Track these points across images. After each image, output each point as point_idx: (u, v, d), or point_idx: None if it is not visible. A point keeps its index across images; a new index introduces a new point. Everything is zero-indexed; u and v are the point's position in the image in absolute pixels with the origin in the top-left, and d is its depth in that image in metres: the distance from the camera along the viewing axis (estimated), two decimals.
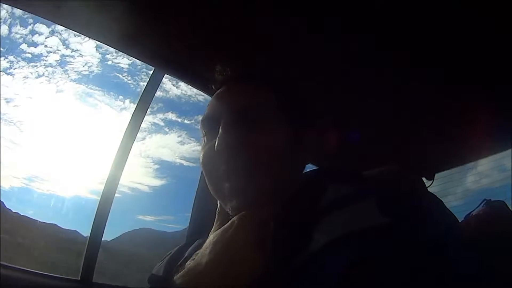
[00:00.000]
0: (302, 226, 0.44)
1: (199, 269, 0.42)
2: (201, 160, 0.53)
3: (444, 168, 1.59)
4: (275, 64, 1.00)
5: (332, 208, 0.43)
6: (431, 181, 1.41)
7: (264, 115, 0.51)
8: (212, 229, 0.50)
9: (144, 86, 1.10)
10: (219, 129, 0.50)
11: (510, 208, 0.92)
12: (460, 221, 0.99)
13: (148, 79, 1.09)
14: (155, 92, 1.11)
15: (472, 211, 0.94)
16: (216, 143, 0.48)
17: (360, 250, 0.36)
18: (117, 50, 1.07)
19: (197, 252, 0.47)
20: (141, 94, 1.10)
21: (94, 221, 1.11)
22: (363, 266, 0.34)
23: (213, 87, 0.58)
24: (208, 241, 0.46)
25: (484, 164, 2.05)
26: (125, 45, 1.02)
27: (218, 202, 0.52)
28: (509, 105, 1.12)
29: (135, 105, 1.10)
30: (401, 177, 0.80)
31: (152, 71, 1.09)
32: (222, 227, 0.46)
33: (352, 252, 0.36)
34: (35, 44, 2.33)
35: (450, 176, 2.05)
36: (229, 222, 0.46)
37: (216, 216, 0.52)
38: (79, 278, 1.09)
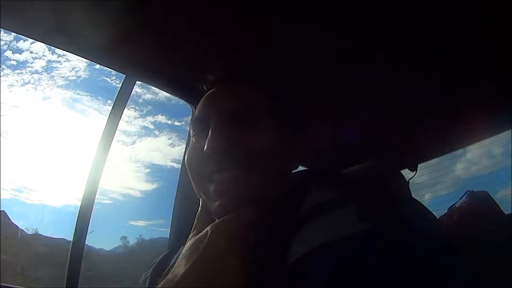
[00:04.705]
0: (284, 232, 0.42)
1: (176, 280, 0.41)
2: (186, 161, 0.53)
3: (427, 158, 1.59)
4: (266, 66, 0.98)
5: (314, 214, 0.42)
6: (414, 172, 1.41)
7: (255, 116, 0.50)
8: (190, 236, 0.48)
9: (117, 93, 1.07)
10: (208, 130, 0.49)
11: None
12: (443, 213, 1.00)
13: (120, 86, 1.07)
14: (128, 98, 1.09)
15: (455, 203, 0.94)
16: (206, 145, 0.47)
17: (340, 260, 0.34)
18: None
19: None
20: (114, 101, 1.08)
21: (75, 229, 1.09)
22: (345, 274, 0.33)
23: (204, 87, 0.57)
24: (184, 250, 0.44)
25: (473, 151, 2.06)
26: (107, 59, 1.01)
27: (200, 206, 0.51)
28: (495, 91, 1.11)
29: (109, 112, 1.08)
30: (381, 175, 0.80)
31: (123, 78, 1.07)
32: (197, 236, 0.44)
33: (332, 262, 0.35)
34: (19, 51, 2.25)
35: (439, 165, 2.06)
36: (204, 231, 0.44)
37: (195, 222, 0.50)
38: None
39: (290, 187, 0.52)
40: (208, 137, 0.48)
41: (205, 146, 0.47)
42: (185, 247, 0.45)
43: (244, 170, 0.47)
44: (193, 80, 0.61)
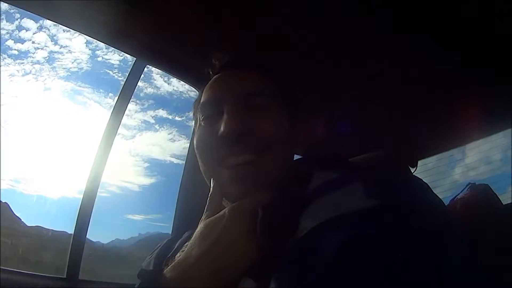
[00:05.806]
0: (293, 212, 0.43)
1: (190, 261, 0.41)
2: (197, 145, 0.52)
3: (428, 154, 1.60)
4: (270, 54, 1.00)
5: (321, 193, 0.43)
6: (415, 168, 1.43)
7: (267, 101, 0.51)
8: (203, 217, 0.48)
9: (125, 80, 1.08)
10: (220, 114, 0.49)
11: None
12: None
13: (128, 73, 1.08)
14: (136, 86, 1.10)
15: (457, 195, 0.96)
16: (221, 128, 0.47)
17: (349, 233, 0.35)
18: (107, 45, 1.05)
19: (186, 243, 0.46)
20: (121, 89, 1.09)
21: (77, 218, 1.10)
22: (353, 249, 0.34)
23: (210, 72, 0.58)
24: (197, 231, 0.45)
25: (471, 157, 2.09)
26: (115, 39, 1.01)
27: (212, 187, 0.51)
28: (494, 89, 1.13)
29: (116, 99, 1.09)
30: (386, 161, 0.81)
31: (132, 64, 1.07)
32: (213, 218, 0.45)
33: (341, 235, 0.35)
34: (22, 40, 2.23)
35: (438, 169, 2.08)
36: (221, 212, 0.44)
37: (208, 203, 0.50)
38: (65, 276, 1.07)
39: (297, 169, 0.53)
40: (224, 120, 0.48)
41: (221, 129, 0.47)
42: (198, 229, 0.45)
43: (260, 153, 0.47)
44: (201, 64, 0.61)
